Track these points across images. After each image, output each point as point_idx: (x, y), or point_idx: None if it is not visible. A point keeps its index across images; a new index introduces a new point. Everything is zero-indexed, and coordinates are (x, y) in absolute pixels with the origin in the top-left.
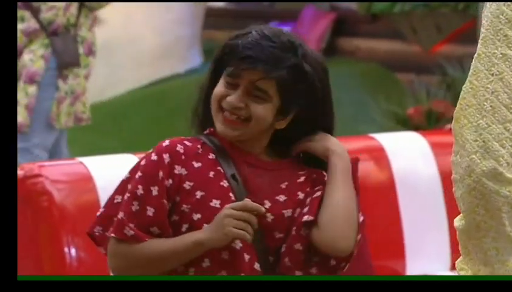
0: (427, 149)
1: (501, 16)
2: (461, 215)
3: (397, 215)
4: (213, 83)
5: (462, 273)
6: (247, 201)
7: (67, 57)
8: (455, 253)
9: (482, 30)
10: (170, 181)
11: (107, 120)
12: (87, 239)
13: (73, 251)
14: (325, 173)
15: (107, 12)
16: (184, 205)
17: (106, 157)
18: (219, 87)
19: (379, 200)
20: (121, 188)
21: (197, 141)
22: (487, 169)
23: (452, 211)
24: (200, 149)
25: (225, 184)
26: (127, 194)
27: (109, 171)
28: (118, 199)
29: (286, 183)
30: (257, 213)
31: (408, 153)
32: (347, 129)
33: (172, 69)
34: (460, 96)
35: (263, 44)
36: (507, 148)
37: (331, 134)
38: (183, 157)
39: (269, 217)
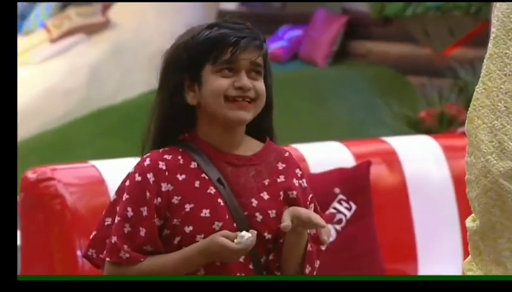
0: (439, 152)
1: (511, 16)
2: (473, 215)
3: (410, 218)
4: (179, 88)
5: (469, 273)
6: (241, 245)
7: None
8: (467, 255)
9: (493, 30)
10: (159, 199)
11: (119, 123)
12: None
13: None
14: (289, 152)
15: (118, 16)
16: (175, 220)
17: (118, 161)
18: (218, 80)
19: (391, 203)
20: (110, 210)
21: (176, 152)
22: (503, 169)
23: (464, 214)
24: (181, 160)
25: (212, 190)
26: (117, 218)
27: (121, 174)
28: (109, 221)
29: (268, 180)
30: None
31: (420, 156)
32: (358, 132)
33: None
34: (473, 97)
35: (242, 27)
36: None
37: (272, 136)
38: (166, 173)
39: (258, 217)
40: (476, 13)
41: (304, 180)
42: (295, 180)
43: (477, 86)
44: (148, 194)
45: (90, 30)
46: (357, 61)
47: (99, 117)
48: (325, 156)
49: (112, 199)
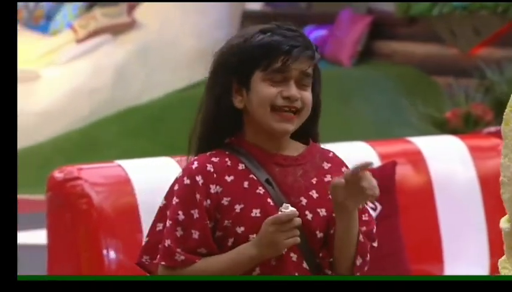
0: (465, 152)
1: None
2: (507, 216)
3: (436, 219)
4: (227, 91)
5: (505, 272)
6: (283, 214)
7: None
8: (493, 256)
9: None
10: (208, 201)
11: (144, 123)
12: (125, 242)
13: (111, 253)
14: (331, 153)
15: (144, 16)
16: (226, 221)
17: (144, 160)
18: (267, 88)
19: (417, 203)
20: (161, 215)
21: (223, 155)
22: None
23: (490, 214)
24: (229, 162)
25: (261, 190)
26: (169, 222)
27: (147, 174)
28: (160, 226)
29: (316, 179)
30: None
31: (446, 157)
32: (384, 132)
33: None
34: (511, 99)
35: (296, 34)
36: None
37: (317, 141)
38: (215, 175)
39: (308, 215)
40: (503, 12)
41: None
42: None
43: None
44: (198, 196)
45: (116, 30)
46: (382, 61)
47: (124, 117)
48: (350, 156)
49: (161, 204)
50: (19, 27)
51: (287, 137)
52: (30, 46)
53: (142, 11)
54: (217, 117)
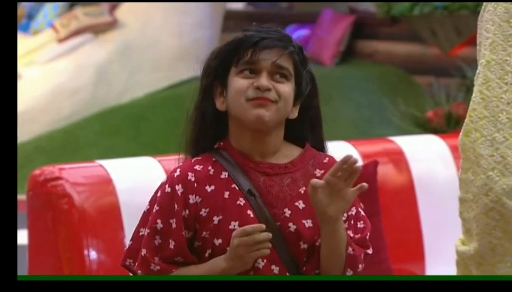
0: (446, 152)
1: (511, 20)
2: (462, 238)
3: (417, 218)
4: (210, 94)
5: None
6: (249, 226)
7: None
8: None
9: (487, 35)
10: (187, 212)
11: (126, 123)
12: (106, 242)
13: (92, 253)
14: (333, 157)
15: (125, 16)
16: (204, 232)
17: (126, 160)
18: (239, 81)
19: (399, 203)
20: (144, 220)
21: (208, 161)
22: (507, 187)
23: None
24: (212, 170)
25: (241, 202)
26: (147, 230)
27: (128, 174)
28: (143, 231)
29: (304, 188)
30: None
31: (427, 156)
32: (365, 131)
33: (191, 72)
34: (470, 107)
35: (271, 29)
36: None
37: (323, 147)
38: (195, 184)
39: (292, 227)
40: None
41: None
42: None
43: (473, 96)
44: (176, 206)
45: (98, 29)
46: (364, 61)
47: (106, 116)
48: (332, 155)
49: (145, 209)
50: None
51: (275, 141)
52: None
53: (124, 10)
54: (202, 121)
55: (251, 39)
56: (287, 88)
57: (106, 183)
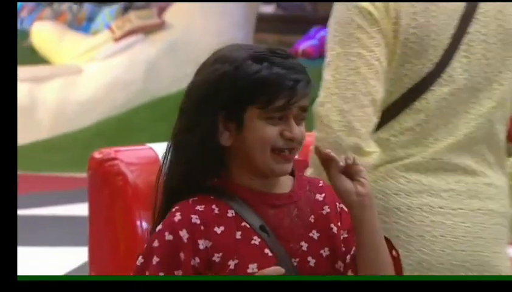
0: None
1: (352, 23)
2: (314, 169)
3: None
4: (214, 127)
5: None
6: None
7: None
8: None
9: (335, 33)
10: (197, 260)
11: (172, 111)
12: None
13: (144, 224)
14: (321, 182)
15: (172, 18)
16: None
17: None
18: (267, 128)
19: None
20: (139, 275)
21: (208, 200)
22: (352, 144)
23: None
24: (216, 210)
25: (256, 241)
26: None
27: None
28: None
29: (313, 216)
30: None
31: None
32: None
33: None
34: (323, 86)
35: (293, 63)
36: (365, 127)
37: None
38: (202, 227)
39: (311, 261)
40: None
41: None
42: (338, 206)
43: (326, 78)
44: (182, 255)
45: (148, 30)
46: None
47: (155, 105)
48: None
49: (138, 263)
50: (64, 28)
51: None
52: (73, 44)
53: (170, 13)
54: (199, 157)
55: (284, 82)
56: (304, 130)
57: (155, 163)
